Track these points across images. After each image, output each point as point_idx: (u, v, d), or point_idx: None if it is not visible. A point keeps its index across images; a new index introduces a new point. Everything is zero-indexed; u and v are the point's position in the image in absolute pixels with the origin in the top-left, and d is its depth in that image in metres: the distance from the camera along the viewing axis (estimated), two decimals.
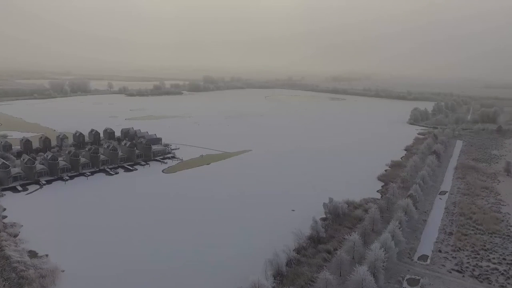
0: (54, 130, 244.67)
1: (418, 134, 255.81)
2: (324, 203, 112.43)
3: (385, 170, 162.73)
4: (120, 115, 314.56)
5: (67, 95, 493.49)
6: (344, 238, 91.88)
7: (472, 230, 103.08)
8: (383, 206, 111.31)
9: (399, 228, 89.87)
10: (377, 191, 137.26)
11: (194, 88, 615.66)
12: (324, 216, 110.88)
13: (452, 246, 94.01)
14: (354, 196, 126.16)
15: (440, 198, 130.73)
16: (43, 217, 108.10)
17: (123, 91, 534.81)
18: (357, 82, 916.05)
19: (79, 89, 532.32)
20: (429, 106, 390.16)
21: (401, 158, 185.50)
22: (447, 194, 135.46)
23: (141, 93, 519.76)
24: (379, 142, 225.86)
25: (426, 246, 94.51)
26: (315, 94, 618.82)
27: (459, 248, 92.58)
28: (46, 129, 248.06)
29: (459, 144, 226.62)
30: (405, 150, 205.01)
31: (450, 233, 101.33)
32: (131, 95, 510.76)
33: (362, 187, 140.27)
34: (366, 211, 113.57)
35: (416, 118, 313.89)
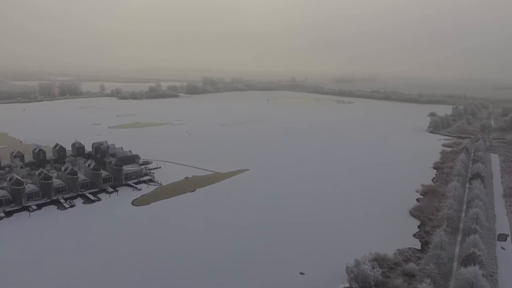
0: (21, 142, 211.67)
1: (443, 146, 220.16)
2: (347, 268, 77.64)
3: (417, 200, 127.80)
4: (104, 122, 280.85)
5: (55, 98, 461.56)
6: None
7: None
8: (433, 273, 76.31)
9: None
10: (414, 235, 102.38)
11: (192, 90, 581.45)
12: (347, 285, 76.61)
13: None
14: (384, 244, 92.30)
15: (503, 248, 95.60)
16: None
17: (116, 93, 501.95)
18: (362, 83, 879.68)
19: (69, 91, 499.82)
20: (445, 110, 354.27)
21: (432, 180, 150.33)
22: (508, 239, 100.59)
23: (134, 96, 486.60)
24: (401, 158, 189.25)
25: None
26: (319, 97, 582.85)
27: None
28: (12, 141, 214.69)
29: (495, 160, 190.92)
30: (434, 168, 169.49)
31: None
32: (124, 98, 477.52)
33: (393, 228, 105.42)
34: (407, 276, 79.51)
35: (436, 126, 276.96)
